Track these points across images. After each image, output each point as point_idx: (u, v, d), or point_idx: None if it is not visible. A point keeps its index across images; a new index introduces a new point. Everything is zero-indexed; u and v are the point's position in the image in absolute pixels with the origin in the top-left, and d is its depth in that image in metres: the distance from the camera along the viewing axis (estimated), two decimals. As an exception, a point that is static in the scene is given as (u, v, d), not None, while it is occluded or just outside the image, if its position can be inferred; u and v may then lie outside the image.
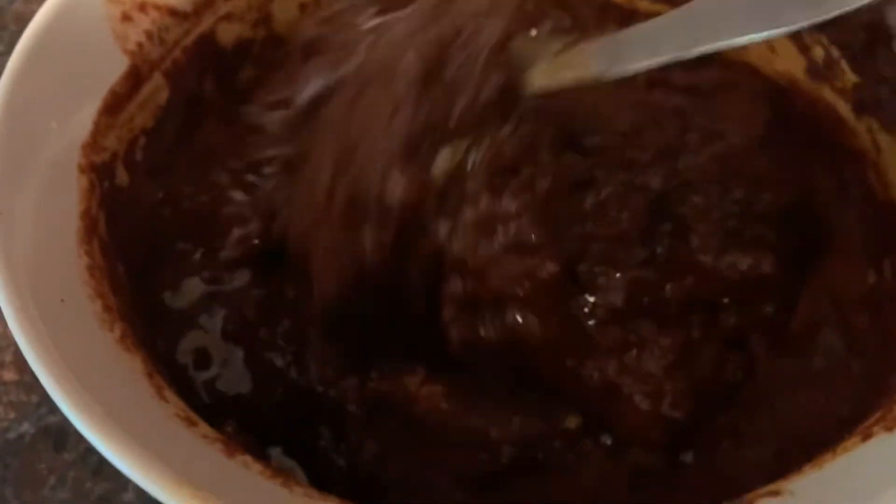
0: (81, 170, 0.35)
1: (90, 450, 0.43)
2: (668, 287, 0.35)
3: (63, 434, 0.44)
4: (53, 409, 0.45)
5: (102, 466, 0.43)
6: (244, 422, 0.33)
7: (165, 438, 0.27)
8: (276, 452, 0.33)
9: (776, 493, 0.25)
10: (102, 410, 0.26)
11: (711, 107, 0.42)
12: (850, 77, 0.42)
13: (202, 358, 0.36)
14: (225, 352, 0.36)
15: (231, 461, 0.27)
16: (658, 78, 0.41)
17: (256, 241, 0.39)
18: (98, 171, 0.36)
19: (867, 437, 0.26)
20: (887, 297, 0.36)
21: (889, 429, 0.26)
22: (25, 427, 0.44)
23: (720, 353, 0.34)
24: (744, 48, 0.45)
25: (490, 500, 0.33)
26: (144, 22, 0.40)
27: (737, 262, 0.36)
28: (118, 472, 0.42)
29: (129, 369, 0.29)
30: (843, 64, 0.42)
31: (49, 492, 0.42)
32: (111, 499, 0.42)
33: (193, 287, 0.38)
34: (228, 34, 0.45)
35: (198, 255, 0.39)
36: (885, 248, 0.38)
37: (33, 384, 0.44)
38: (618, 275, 0.34)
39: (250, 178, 0.41)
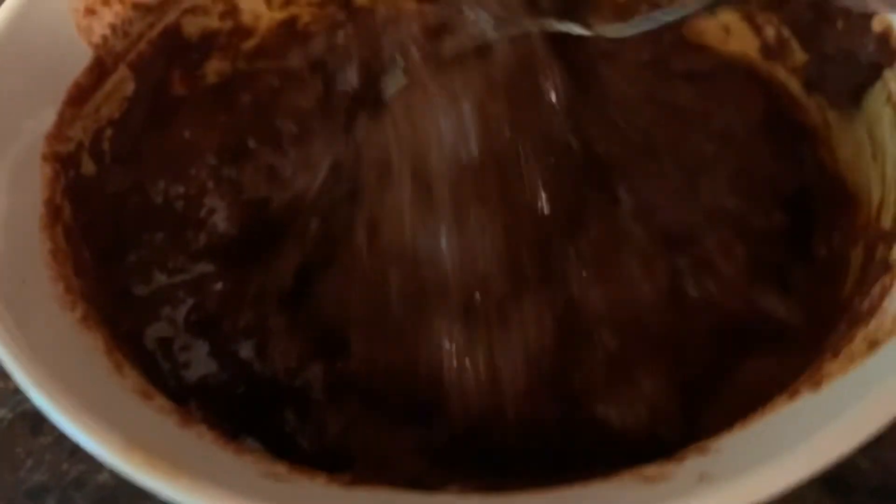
0: (45, 159, 0.36)
1: (65, 434, 0.45)
2: None
3: (39, 418, 0.44)
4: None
5: (78, 449, 0.43)
6: (208, 410, 0.34)
7: (121, 410, 0.28)
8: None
9: (703, 451, 0.26)
10: (57, 382, 0.27)
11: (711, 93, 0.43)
12: (800, 55, 0.43)
13: (166, 347, 0.37)
14: (189, 342, 0.37)
15: (186, 431, 0.28)
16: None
17: (224, 232, 0.40)
18: (63, 161, 0.37)
19: (794, 395, 0.27)
20: (830, 266, 0.37)
21: (815, 387, 0.27)
22: (3, 412, 0.45)
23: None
24: (701, 30, 0.47)
25: (454, 469, 0.34)
26: (108, 15, 0.41)
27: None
28: (93, 454, 0.44)
29: (88, 347, 0.30)
30: (794, 43, 0.43)
31: (26, 473, 0.43)
32: (87, 480, 0.43)
33: (159, 276, 0.39)
34: (194, 26, 0.46)
35: (165, 245, 0.40)
36: (833, 223, 0.39)
37: (10, 371, 0.45)
38: None
39: (223, 169, 0.43)
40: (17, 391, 0.46)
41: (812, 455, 0.24)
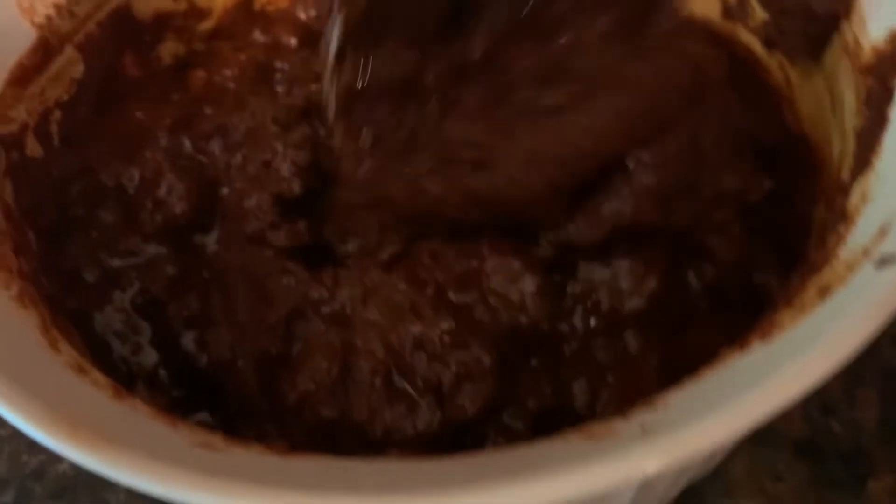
0: (-15, 140, 0.35)
1: None
2: None
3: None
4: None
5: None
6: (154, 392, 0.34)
7: (53, 384, 0.27)
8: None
9: (651, 406, 0.25)
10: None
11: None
12: (760, 14, 0.42)
13: (111, 328, 0.37)
14: (134, 325, 0.37)
15: (119, 404, 0.27)
16: None
17: (179, 213, 0.39)
18: (5, 143, 0.36)
19: (744, 346, 0.27)
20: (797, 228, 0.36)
21: (765, 338, 0.26)
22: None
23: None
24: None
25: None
26: (52, -5, 0.40)
27: None
28: (54, 444, 0.43)
29: (23, 324, 0.29)
30: (753, 2, 0.42)
31: (-16, 466, 0.42)
32: (47, 470, 0.42)
33: (107, 258, 0.38)
34: (145, 7, 0.45)
35: (116, 228, 0.39)
36: (796, 175, 0.38)
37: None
38: None
39: (177, 150, 0.42)
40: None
41: (754, 405, 0.23)
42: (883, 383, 0.42)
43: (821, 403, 0.41)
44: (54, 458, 0.42)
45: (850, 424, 0.40)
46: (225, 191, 0.39)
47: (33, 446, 0.43)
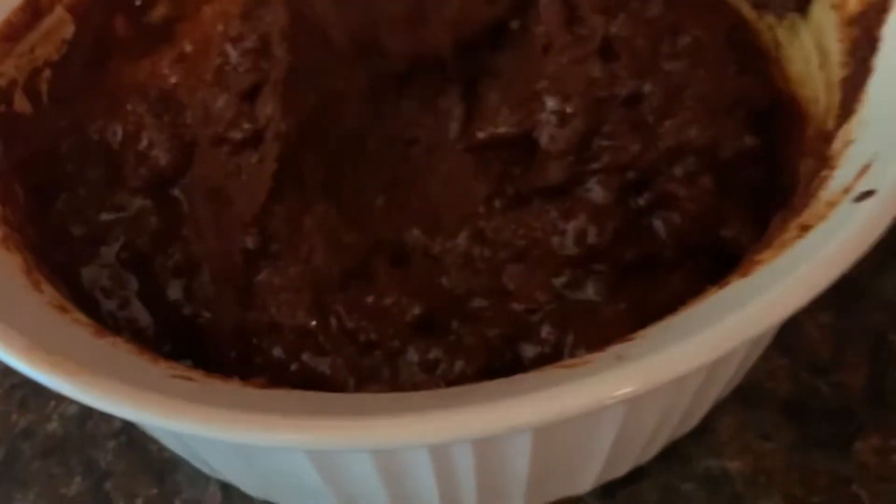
0: (-29, 93, 0.35)
1: (15, 386, 0.44)
2: None
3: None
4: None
5: (27, 400, 0.43)
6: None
7: (33, 321, 0.27)
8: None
9: (629, 339, 0.25)
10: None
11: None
12: (748, -24, 0.42)
13: (98, 283, 0.37)
14: (121, 279, 0.37)
15: (100, 341, 0.27)
16: None
17: (164, 166, 0.39)
18: (-9, 97, 0.36)
19: (723, 285, 0.27)
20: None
21: (744, 275, 0.26)
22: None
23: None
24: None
25: None
26: (42, -46, 0.40)
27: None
28: (43, 404, 0.43)
29: (6, 265, 0.30)
30: (741, -37, 0.42)
31: (-26, 426, 0.42)
32: (36, 430, 0.42)
33: (94, 213, 0.38)
34: (139, -29, 0.45)
35: (102, 183, 0.39)
36: (783, 135, 0.38)
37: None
38: None
39: (162, 109, 0.42)
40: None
41: (730, 331, 0.23)
42: (870, 345, 0.42)
43: (809, 364, 0.41)
44: (44, 417, 0.43)
45: (837, 385, 0.40)
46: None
47: (22, 406, 0.43)
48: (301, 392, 0.25)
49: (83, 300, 0.35)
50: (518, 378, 0.25)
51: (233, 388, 0.25)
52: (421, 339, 0.31)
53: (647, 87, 0.35)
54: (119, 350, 0.27)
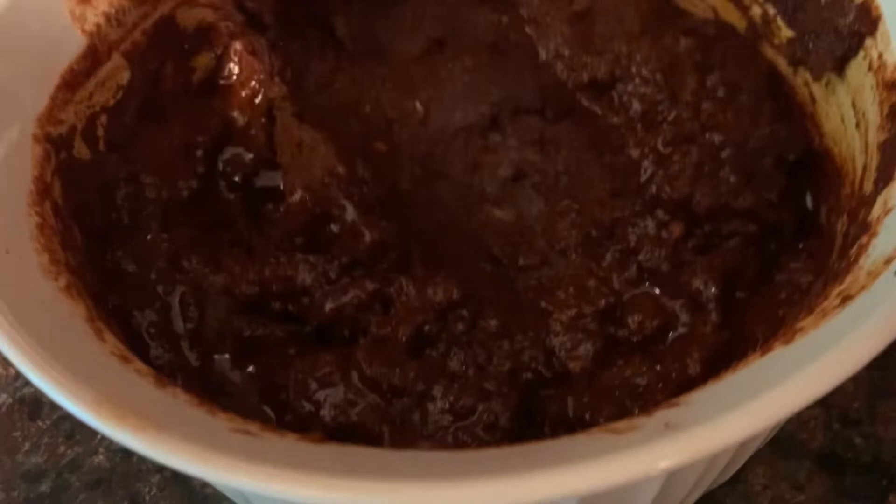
0: (36, 139, 0.37)
1: (63, 417, 0.45)
2: None
3: (38, 404, 0.46)
4: (28, 380, 0.47)
5: (75, 432, 0.45)
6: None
7: (98, 371, 0.28)
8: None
9: (675, 405, 0.26)
10: (35, 342, 0.27)
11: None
12: (786, 32, 0.43)
13: (154, 327, 0.38)
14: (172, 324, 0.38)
15: (161, 391, 0.28)
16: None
17: None
18: (54, 142, 0.38)
19: (766, 351, 0.27)
20: (816, 233, 0.37)
21: (787, 343, 0.27)
22: (3, 398, 0.46)
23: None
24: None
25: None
26: (102, 4, 0.42)
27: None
28: (90, 436, 0.44)
29: (70, 314, 0.31)
30: (779, 20, 0.43)
31: (23, 457, 0.44)
32: (83, 462, 0.44)
33: (153, 260, 0.40)
34: (189, 17, 0.47)
35: (158, 234, 0.41)
36: (822, 197, 0.39)
37: (10, 357, 0.46)
38: None
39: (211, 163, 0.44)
40: (17, 377, 0.47)
41: (773, 404, 0.24)
42: (904, 398, 0.42)
43: (842, 416, 0.41)
44: (90, 449, 0.44)
45: (870, 438, 0.41)
46: None
47: (70, 438, 0.44)
48: (356, 448, 0.26)
49: (135, 343, 0.36)
50: (567, 442, 0.26)
51: (290, 443, 0.26)
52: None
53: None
54: (179, 401, 0.28)
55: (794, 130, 0.41)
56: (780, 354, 0.27)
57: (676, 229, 0.38)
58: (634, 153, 0.40)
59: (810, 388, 0.24)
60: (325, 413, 0.34)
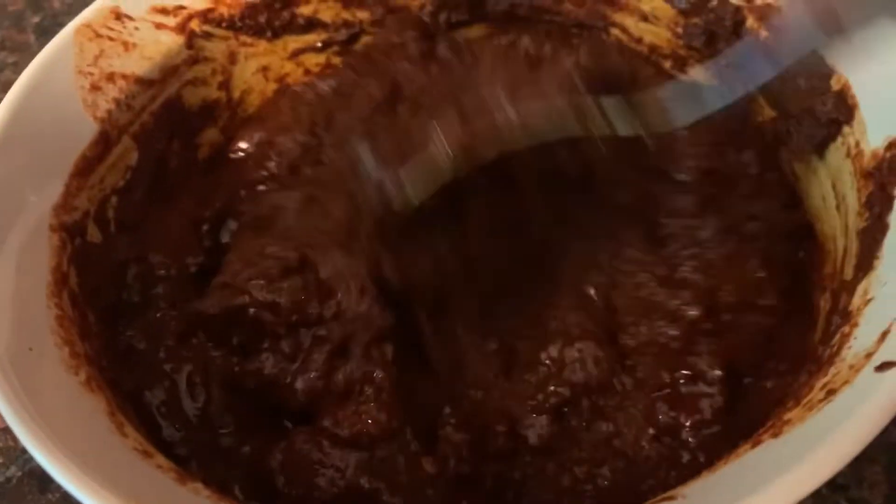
0: (53, 229, 0.38)
1: (66, 489, 0.46)
2: None
3: (47, 477, 0.46)
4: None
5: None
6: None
7: (122, 469, 0.29)
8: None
9: (671, 498, 0.28)
10: (60, 443, 0.29)
11: None
12: (768, 111, 0.45)
13: (167, 407, 0.39)
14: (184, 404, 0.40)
15: (182, 488, 0.29)
16: None
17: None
18: (69, 230, 0.39)
19: (756, 444, 0.29)
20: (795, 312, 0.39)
21: (775, 436, 0.29)
22: (12, 471, 0.47)
23: None
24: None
25: None
26: (113, 91, 0.44)
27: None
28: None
29: (92, 409, 0.32)
30: (761, 100, 0.45)
31: (34, 531, 0.44)
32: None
33: (162, 338, 0.41)
34: (194, 97, 0.48)
35: (168, 312, 0.42)
36: (805, 271, 0.41)
37: (20, 430, 0.47)
38: None
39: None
40: (25, 450, 0.48)
41: (771, 500, 0.25)
42: (889, 462, 0.44)
43: (830, 481, 0.43)
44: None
45: (857, 502, 0.42)
46: None
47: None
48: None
49: (148, 424, 0.37)
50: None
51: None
52: None
53: None
54: (201, 497, 0.29)
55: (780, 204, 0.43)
56: (769, 447, 0.28)
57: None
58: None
59: (797, 488, 0.26)
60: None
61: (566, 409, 0.38)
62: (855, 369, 0.29)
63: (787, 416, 0.29)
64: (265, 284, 0.39)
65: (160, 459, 0.31)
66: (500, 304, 0.41)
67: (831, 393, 0.29)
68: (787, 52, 0.35)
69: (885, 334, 0.30)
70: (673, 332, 0.38)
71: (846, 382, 0.29)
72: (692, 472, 0.30)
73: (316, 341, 0.39)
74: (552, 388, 0.38)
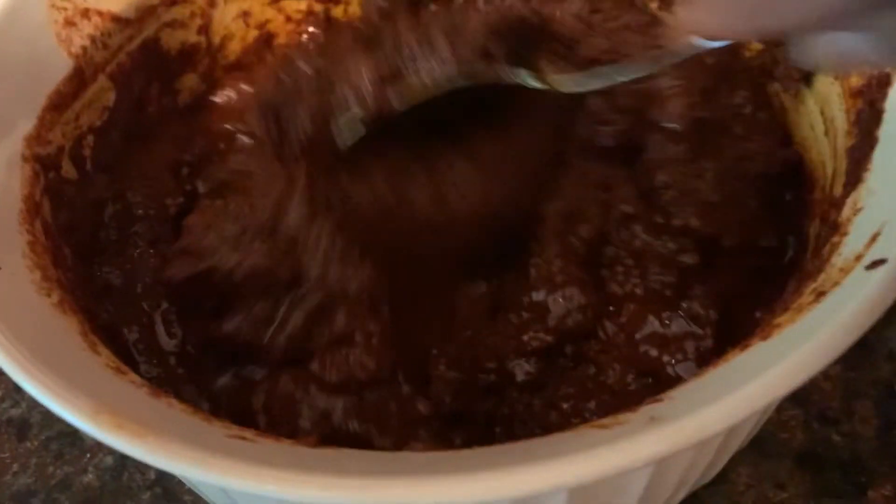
0: (25, 159, 0.37)
1: (51, 438, 0.45)
2: None
3: (25, 425, 0.46)
4: (16, 401, 0.47)
5: (63, 452, 0.45)
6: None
7: (94, 382, 0.29)
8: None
9: (659, 400, 0.27)
10: (31, 356, 0.28)
11: None
12: (755, 45, 0.44)
13: (143, 342, 0.39)
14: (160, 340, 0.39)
15: (156, 401, 0.29)
16: None
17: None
18: (42, 162, 0.38)
19: (745, 347, 0.28)
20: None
21: (764, 339, 0.28)
22: (-10, 419, 0.46)
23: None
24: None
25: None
26: (87, 27, 0.43)
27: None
28: (78, 456, 0.44)
29: (64, 329, 0.31)
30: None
31: (12, 477, 0.44)
32: (72, 481, 0.44)
33: (139, 276, 0.40)
34: (173, 40, 0.48)
35: (146, 251, 0.41)
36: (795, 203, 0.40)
37: (-4, 379, 0.46)
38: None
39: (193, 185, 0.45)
40: (3, 399, 0.47)
41: (755, 394, 0.25)
42: (879, 397, 0.43)
43: (820, 415, 0.42)
44: (80, 469, 0.44)
45: (848, 436, 0.42)
46: None
47: (59, 458, 0.44)
48: (350, 451, 0.27)
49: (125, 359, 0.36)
50: (556, 438, 0.26)
51: (286, 447, 0.27)
52: None
53: None
54: (175, 410, 0.28)
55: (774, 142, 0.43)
56: (758, 349, 0.28)
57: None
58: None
59: (787, 380, 0.25)
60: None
61: (550, 353, 0.37)
62: (844, 272, 0.29)
63: (777, 320, 0.29)
64: (227, 249, 0.37)
65: (133, 376, 0.30)
66: (487, 248, 0.40)
67: (821, 295, 0.28)
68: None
69: (875, 236, 0.29)
70: (667, 278, 0.37)
71: (836, 284, 0.28)
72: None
73: (293, 303, 0.37)
74: (535, 333, 0.37)
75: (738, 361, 0.28)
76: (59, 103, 0.40)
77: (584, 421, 0.35)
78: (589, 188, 0.40)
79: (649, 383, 0.36)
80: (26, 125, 0.38)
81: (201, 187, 0.45)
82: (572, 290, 0.37)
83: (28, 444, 0.45)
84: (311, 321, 0.36)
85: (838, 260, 0.30)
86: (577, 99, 0.41)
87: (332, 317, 0.36)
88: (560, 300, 0.37)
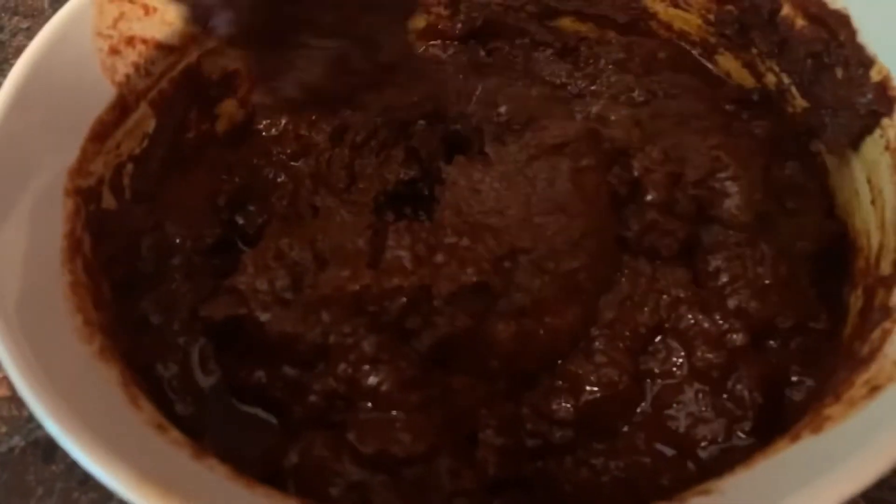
0: (67, 193, 0.37)
1: (76, 462, 0.45)
2: None
3: (51, 447, 0.46)
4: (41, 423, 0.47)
5: (89, 478, 0.44)
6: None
7: (136, 443, 0.28)
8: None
9: (707, 492, 0.27)
10: (75, 416, 0.27)
11: None
12: (800, 102, 0.44)
13: (180, 380, 0.38)
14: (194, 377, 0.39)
15: (198, 464, 0.28)
16: None
17: None
18: (84, 195, 0.38)
19: (795, 439, 0.28)
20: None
21: (815, 432, 0.28)
22: (16, 440, 0.46)
23: None
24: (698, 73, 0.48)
25: None
26: (132, 55, 0.42)
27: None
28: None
29: (105, 379, 0.31)
30: (794, 90, 0.44)
31: (36, 502, 0.44)
32: (97, 508, 0.43)
33: (176, 310, 0.40)
34: (214, 66, 0.47)
35: (183, 283, 0.41)
36: (829, 265, 0.40)
37: (24, 399, 0.46)
38: None
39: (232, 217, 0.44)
40: (30, 419, 0.47)
41: (815, 498, 0.24)
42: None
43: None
44: (105, 496, 0.44)
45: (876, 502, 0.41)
46: None
47: (84, 484, 0.44)
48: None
49: (158, 397, 0.36)
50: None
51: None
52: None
53: None
54: (217, 475, 0.28)
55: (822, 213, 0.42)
56: (810, 444, 0.27)
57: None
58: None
59: (842, 487, 0.25)
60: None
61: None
62: (899, 366, 0.28)
63: (827, 412, 0.28)
64: (272, 300, 0.36)
65: (175, 434, 0.30)
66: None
67: (875, 389, 0.28)
68: None
69: (929, 331, 0.29)
70: (716, 359, 0.36)
71: (891, 379, 0.28)
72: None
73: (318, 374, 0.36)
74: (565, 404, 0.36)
75: (788, 455, 0.27)
76: (102, 133, 0.40)
77: (613, 479, 0.35)
78: (643, 282, 0.39)
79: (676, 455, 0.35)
80: (68, 157, 0.38)
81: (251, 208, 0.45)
82: (611, 371, 0.37)
83: (53, 468, 0.45)
84: (345, 388, 0.35)
85: (891, 350, 0.30)
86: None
87: (366, 388, 0.35)
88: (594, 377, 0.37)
